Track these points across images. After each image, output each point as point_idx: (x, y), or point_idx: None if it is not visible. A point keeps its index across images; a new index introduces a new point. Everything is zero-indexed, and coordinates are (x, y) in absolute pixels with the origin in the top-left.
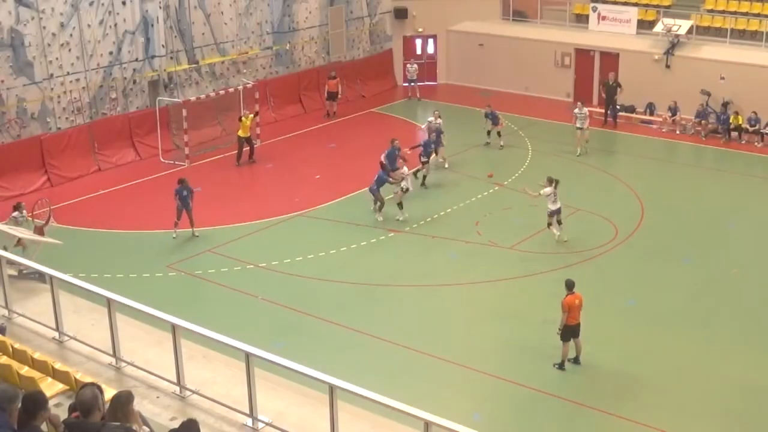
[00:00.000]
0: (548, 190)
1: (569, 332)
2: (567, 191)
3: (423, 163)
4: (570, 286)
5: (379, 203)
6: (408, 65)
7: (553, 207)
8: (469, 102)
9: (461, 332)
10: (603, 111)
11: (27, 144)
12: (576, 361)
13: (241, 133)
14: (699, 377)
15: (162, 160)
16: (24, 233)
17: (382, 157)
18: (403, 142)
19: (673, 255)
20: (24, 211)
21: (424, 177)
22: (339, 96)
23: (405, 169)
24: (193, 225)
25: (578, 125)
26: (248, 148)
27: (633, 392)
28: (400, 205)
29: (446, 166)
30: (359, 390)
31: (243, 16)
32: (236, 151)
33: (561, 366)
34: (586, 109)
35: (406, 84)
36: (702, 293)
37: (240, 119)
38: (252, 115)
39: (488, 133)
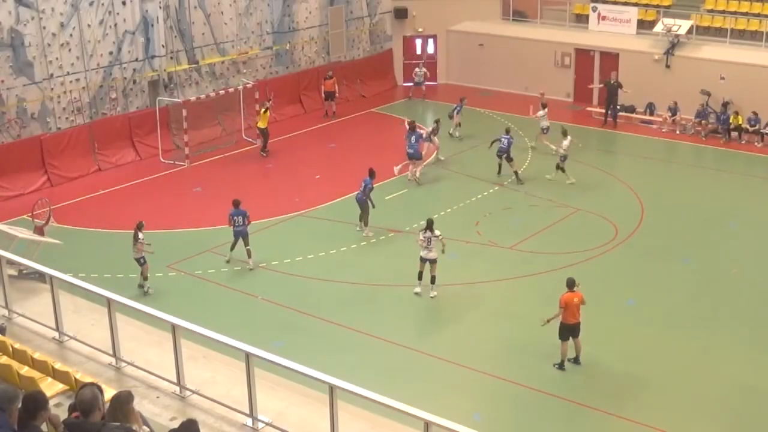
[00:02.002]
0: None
1: (567, 331)
2: (567, 191)
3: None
4: (570, 284)
5: (365, 215)
6: (417, 69)
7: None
8: (469, 102)
9: (461, 332)
10: (603, 111)
11: (27, 144)
12: (576, 361)
13: (260, 124)
14: (699, 377)
15: (162, 160)
16: (23, 233)
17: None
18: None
19: (673, 255)
20: (141, 232)
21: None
22: (336, 95)
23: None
24: (249, 256)
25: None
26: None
27: (633, 392)
28: (432, 279)
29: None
30: (359, 390)
31: (243, 16)
32: (261, 142)
33: (561, 366)
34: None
35: (409, 84)
36: (702, 293)
37: (259, 112)
38: (268, 104)
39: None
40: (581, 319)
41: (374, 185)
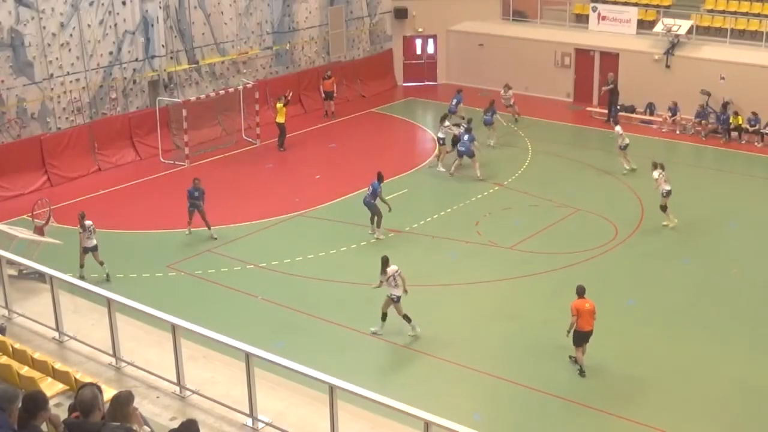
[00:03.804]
0: (656, 173)
1: (582, 338)
2: (567, 191)
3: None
4: (579, 291)
5: (377, 218)
6: (502, 92)
7: (666, 187)
8: (469, 102)
9: (461, 332)
10: (603, 111)
11: (27, 144)
12: (575, 361)
13: (279, 119)
14: (699, 377)
15: (162, 160)
16: (23, 233)
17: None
18: (409, 140)
19: (673, 255)
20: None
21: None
22: (334, 95)
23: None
24: (209, 226)
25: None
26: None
27: (633, 392)
28: (406, 317)
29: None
30: (359, 390)
31: (243, 16)
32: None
33: (581, 372)
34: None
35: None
36: (702, 293)
37: (275, 107)
38: (285, 99)
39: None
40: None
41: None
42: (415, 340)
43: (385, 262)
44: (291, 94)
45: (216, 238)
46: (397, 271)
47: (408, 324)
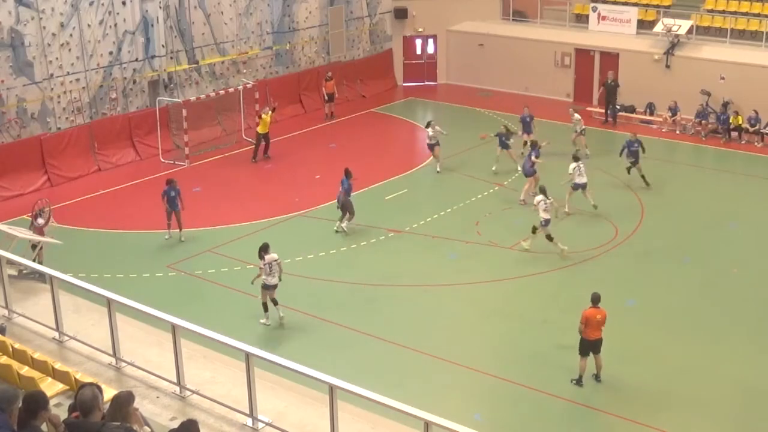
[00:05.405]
0: (538, 198)
1: (588, 347)
2: (567, 191)
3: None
4: (594, 299)
5: (348, 214)
6: (571, 110)
7: (545, 216)
8: (469, 102)
9: (461, 332)
10: (603, 111)
11: (27, 144)
12: (597, 378)
13: (260, 129)
14: (699, 378)
15: (162, 160)
16: (24, 233)
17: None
18: (409, 140)
19: (673, 255)
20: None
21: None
22: (335, 96)
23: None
24: (181, 228)
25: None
26: (264, 144)
27: (633, 392)
28: (275, 301)
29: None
30: (359, 390)
31: (243, 16)
32: (253, 147)
33: (579, 381)
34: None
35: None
36: (702, 293)
37: (260, 116)
38: (271, 111)
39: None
40: (602, 335)
41: (352, 183)
42: (416, 338)
43: (264, 249)
44: (273, 106)
45: (183, 241)
46: (276, 260)
47: (265, 312)
